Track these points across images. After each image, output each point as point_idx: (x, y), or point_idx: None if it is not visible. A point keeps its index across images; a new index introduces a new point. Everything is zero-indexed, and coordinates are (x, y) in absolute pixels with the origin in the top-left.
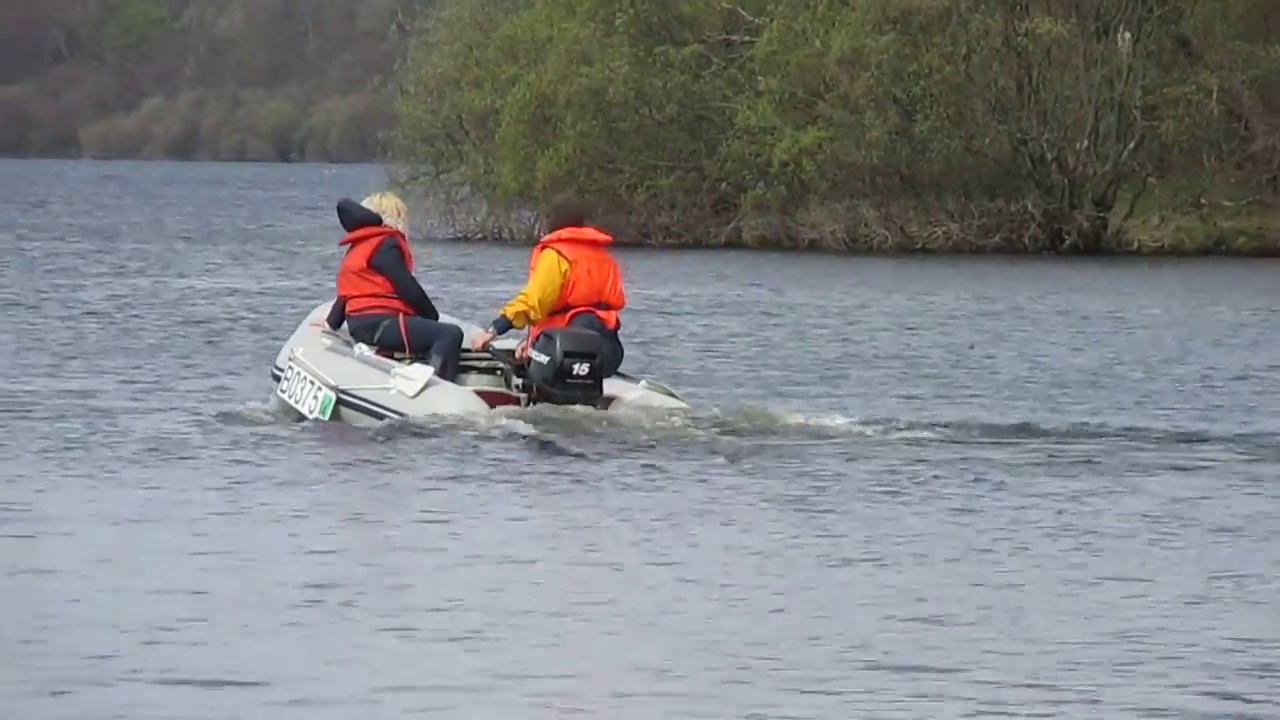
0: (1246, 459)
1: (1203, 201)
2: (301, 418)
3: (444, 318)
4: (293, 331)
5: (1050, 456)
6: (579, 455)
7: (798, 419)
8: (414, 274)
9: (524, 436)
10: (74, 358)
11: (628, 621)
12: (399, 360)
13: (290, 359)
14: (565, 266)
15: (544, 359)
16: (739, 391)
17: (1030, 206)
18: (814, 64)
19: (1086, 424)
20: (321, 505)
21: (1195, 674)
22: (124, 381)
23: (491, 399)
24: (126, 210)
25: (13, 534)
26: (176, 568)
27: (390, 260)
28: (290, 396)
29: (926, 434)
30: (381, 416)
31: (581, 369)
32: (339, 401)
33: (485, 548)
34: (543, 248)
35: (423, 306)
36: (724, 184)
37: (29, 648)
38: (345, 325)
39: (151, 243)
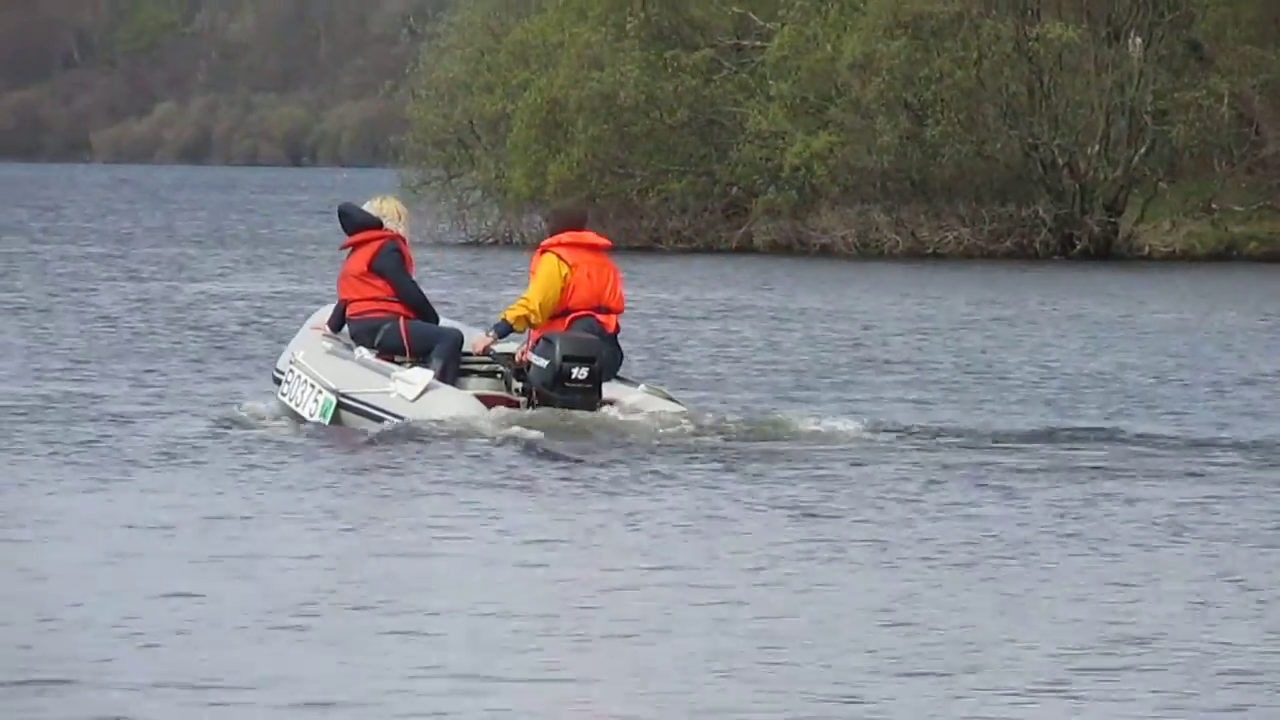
0: (1257, 464)
1: (1214, 206)
2: (302, 421)
3: (444, 322)
4: (294, 335)
5: (1060, 462)
6: (577, 459)
7: (804, 424)
8: (414, 278)
9: (522, 440)
10: (85, 361)
11: (629, 626)
12: (399, 364)
13: (291, 362)
14: (565, 271)
15: (543, 363)
16: (748, 396)
17: (1041, 211)
18: (825, 69)
19: (1097, 429)
20: (322, 510)
21: (1205, 678)
22: (134, 385)
23: (491, 402)
24: (139, 214)
25: (18, 537)
26: (178, 571)
27: (391, 264)
28: (291, 400)
29: (936, 439)
30: (382, 420)
31: (580, 373)
32: (339, 405)
33: (485, 551)
34: (543, 252)
35: (423, 310)
36: (735, 188)
37: (31, 650)
38: (346, 329)
39: (164, 247)
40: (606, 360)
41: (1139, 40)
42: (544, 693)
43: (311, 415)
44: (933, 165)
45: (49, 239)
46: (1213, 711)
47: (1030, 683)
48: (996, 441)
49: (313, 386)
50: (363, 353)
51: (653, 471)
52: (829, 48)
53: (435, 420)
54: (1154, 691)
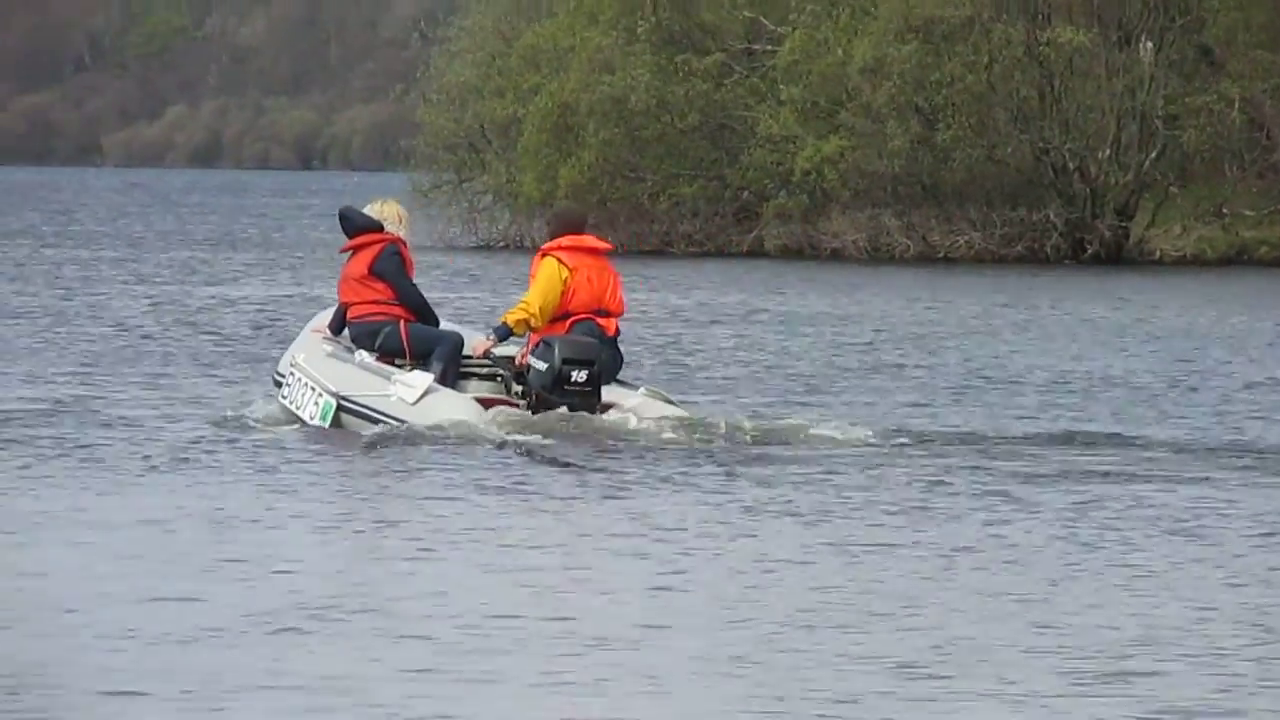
0: (1268, 469)
1: (1224, 211)
2: (302, 424)
3: (445, 325)
4: (294, 338)
5: (1071, 466)
6: (577, 462)
7: (813, 428)
8: (415, 281)
9: (522, 444)
10: (95, 365)
11: (632, 630)
12: (400, 367)
13: (292, 365)
14: (566, 274)
15: (543, 366)
16: (758, 400)
17: (1052, 216)
18: (836, 73)
19: (1107, 434)
20: (322, 514)
21: (1212, 684)
22: (145, 388)
23: (491, 405)
24: (151, 218)
25: (24, 539)
26: (179, 575)
27: (391, 267)
28: (291, 403)
29: (946, 443)
30: (382, 423)
31: (580, 376)
32: (339, 408)
33: (487, 555)
34: (543, 255)
35: (423, 313)
36: (746, 192)
37: (33, 655)
38: (346, 332)
39: (176, 250)
40: (606, 363)
41: (1150, 45)
42: (547, 696)
43: (312, 418)
44: (944, 169)
45: (61, 242)
46: (1220, 716)
47: (1038, 687)
48: (1006, 446)
49: (313, 389)
50: (363, 356)
51: (655, 475)
52: (840, 52)
53: (435, 423)
54: (1162, 697)
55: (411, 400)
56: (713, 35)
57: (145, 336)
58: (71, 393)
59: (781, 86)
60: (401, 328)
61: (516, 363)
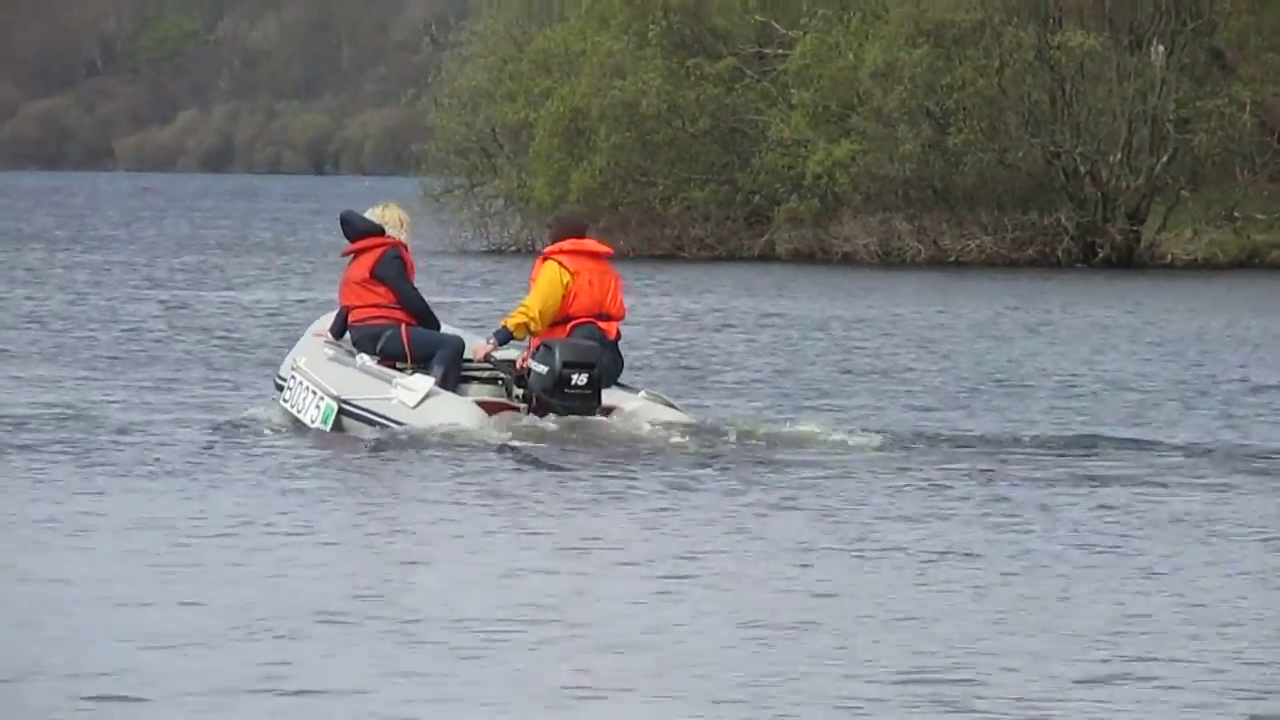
0: (1279, 472)
1: (1236, 214)
2: (304, 427)
3: (446, 328)
4: (296, 341)
5: (1081, 470)
6: (578, 466)
7: (821, 432)
8: (415, 285)
9: (522, 447)
10: (108, 370)
11: (635, 635)
12: (401, 370)
13: (293, 369)
14: (567, 278)
15: (543, 369)
16: (768, 404)
17: (1063, 220)
18: (847, 77)
19: (1118, 438)
20: (324, 517)
21: (1219, 692)
22: (156, 393)
23: (492, 409)
24: (165, 222)
25: (30, 544)
26: (180, 580)
27: (393, 271)
28: (293, 406)
29: (956, 447)
30: (383, 427)
31: (580, 379)
32: (341, 411)
33: (488, 559)
34: (544, 259)
35: (425, 317)
36: (757, 196)
37: (36, 661)
38: (348, 335)
39: (189, 255)
40: (606, 367)
41: (1161, 48)
42: (551, 701)
43: (313, 422)
44: (955, 173)
45: (72, 246)
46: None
47: (1052, 693)
48: (1017, 450)
49: (314, 393)
50: (364, 359)
51: (656, 479)
52: (851, 56)
53: (436, 427)
54: (1174, 702)
55: (412, 403)
56: (724, 39)
57: (158, 341)
58: (83, 397)
59: (793, 90)
60: (403, 331)
61: (518, 366)
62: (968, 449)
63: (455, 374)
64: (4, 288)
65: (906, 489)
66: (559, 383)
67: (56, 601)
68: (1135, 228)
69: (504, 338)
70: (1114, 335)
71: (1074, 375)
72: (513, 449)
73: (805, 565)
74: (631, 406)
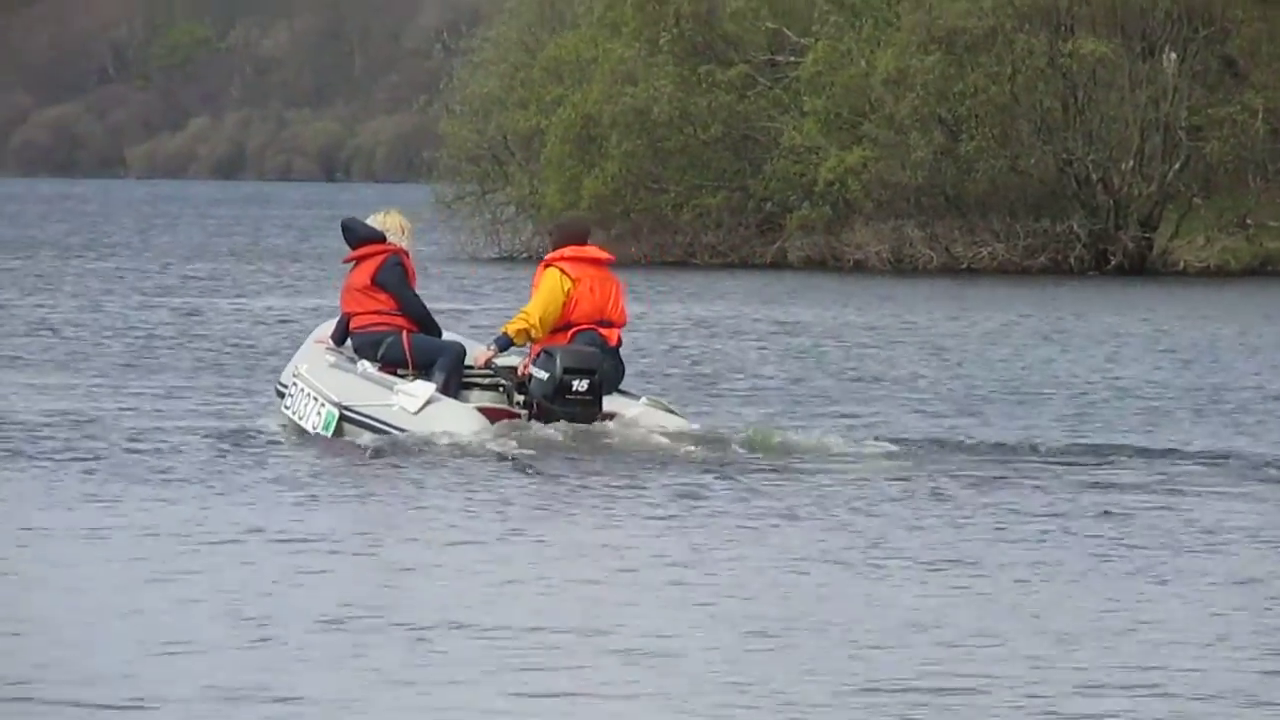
0: None
1: (1248, 222)
2: (305, 434)
3: (447, 335)
4: (298, 348)
5: (1093, 478)
6: (580, 474)
7: (830, 439)
8: (417, 291)
9: (522, 453)
10: (119, 377)
11: (637, 641)
12: (402, 377)
13: (294, 375)
14: (568, 285)
15: (544, 375)
16: (778, 411)
17: (1076, 227)
18: (859, 84)
19: (1131, 446)
20: (325, 524)
21: (1221, 699)
22: (168, 400)
23: (493, 415)
24: (178, 229)
25: (34, 552)
26: (188, 588)
27: (394, 278)
28: (294, 413)
29: (967, 454)
30: (384, 433)
31: (581, 385)
32: (342, 418)
33: (489, 565)
34: (546, 266)
35: (426, 324)
36: (769, 204)
37: (44, 667)
38: (349, 342)
39: (203, 261)
40: (607, 373)
41: (1174, 55)
42: (557, 708)
43: (314, 428)
44: (967, 180)
45: (87, 253)
46: None
47: (1053, 696)
48: (1029, 458)
49: (315, 399)
50: (365, 366)
51: (657, 484)
52: (863, 63)
53: (437, 433)
54: (1185, 712)
55: (414, 410)
56: (735, 46)
57: (170, 348)
58: (95, 404)
59: (804, 98)
60: (404, 338)
61: (519, 373)
62: (979, 457)
63: (456, 380)
64: (17, 295)
65: (918, 497)
66: (560, 389)
67: (65, 607)
68: (1147, 235)
69: (504, 344)
70: (1126, 343)
71: (1086, 383)
72: (513, 459)
73: (815, 574)
74: (632, 413)
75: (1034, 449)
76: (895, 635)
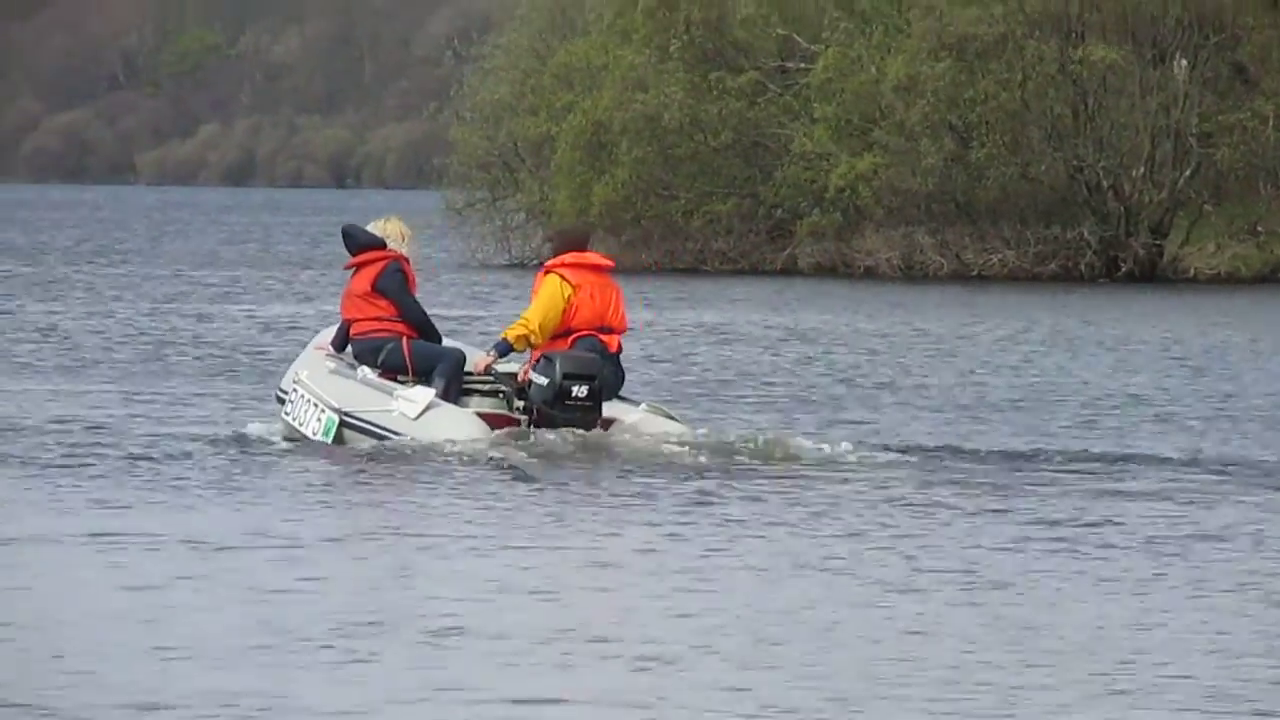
0: None
1: (1259, 228)
2: (305, 440)
3: (447, 341)
4: (298, 355)
5: (1101, 486)
6: (574, 478)
7: (835, 448)
8: (417, 298)
9: (523, 459)
10: (129, 384)
11: (639, 648)
12: (402, 383)
13: (295, 381)
14: (569, 291)
15: (543, 381)
16: (786, 418)
17: (1086, 234)
18: (870, 91)
19: (1140, 454)
20: (327, 530)
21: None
22: (178, 407)
23: (493, 421)
24: (190, 236)
25: (46, 559)
26: (196, 594)
27: (394, 284)
28: (294, 419)
29: (975, 463)
30: (384, 439)
31: (580, 391)
32: (342, 424)
33: (491, 570)
34: (546, 272)
35: (426, 330)
36: (779, 210)
37: (52, 674)
38: (349, 348)
39: (213, 268)
40: (607, 379)
41: (1184, 62)
42: (559, 715)
43: (314, 434)
44: (977, 187)
45: (98, 260)
46: None
47: (1061, 703)
48: (1039, 465)
49: (316, 406)
50: (365, 372)
51: (658, 490)
52: (873, 70)
53: (437, 438)
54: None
55: (413, 415)
56: (746, 53)
57: (180, 355)
58: (106, 411)
59: (815, 104)
60: (404, 344)
61: (519, 379)
62: (990, 464)
63: (456, 386)
64: (28, 301)
65: (927, 505)
66: (559, 395)
67: (73, 612)
68: (1158, 242)
69: (504, 350)
70: (1137, 350)
71: (1097, 390)
72: (513, 465)
73: (819, 581)
74: (632, 419)
75: (1044, 456)
76: (902, 643)
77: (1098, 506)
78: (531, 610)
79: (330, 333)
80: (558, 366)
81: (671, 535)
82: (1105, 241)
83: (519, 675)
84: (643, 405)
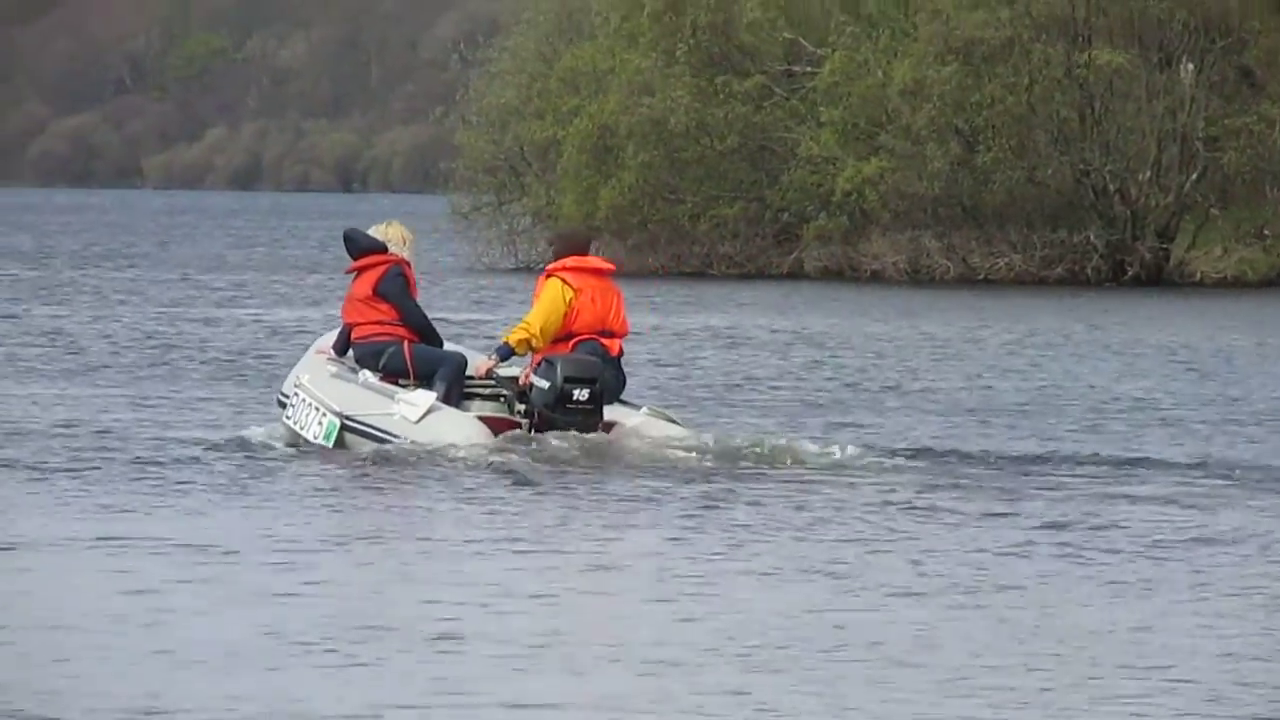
0: None
1: (1266, 232)
2: (306, 444)
3: (448, 345)
4: (299, 359)
5: (1111, 490)
6: (575, 482)
7: (840, 451)
8: (418, 302)
9: (523, 463)
10: (134, 388)
11: (639, 651)
12: (404, 387)
13: (296, 385)
14: (570, 295)
15: (545, 384)
16: (790, 422)
17: (1093, 238)
18: (876, 94)
19: (1148, 459)
20: (328, 534)
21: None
22: (184, 411)
23: (495, 425)
24: (198, 240)
25: (51, 564)
26: (199, 599)
27: (395, 288)
28: (295, 423)
29: (981, 467)
30: (386, 442)
31: (581, 394)
32: (343, 427)
33: (492, 574)
34: (547, 276)
35: (427, 334)
36: (786, 214)
37: (58, 680)
38: (351, 352)
39: (220, 272)
40: (608, 382)
41: (1191, 66)
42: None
43: (315, 438)
44: (984, 191)
45: (105, 264)
46: None
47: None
48: (1046, 469)
49: (317, 409)
50: (367, 376)
51: (658, 494)
52: (880, 74)
53: (438, 442)
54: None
55: (415, 419)
56: (752, 57)
57: (186, 358)
58: (112, 415)
59: (821, 108)
60: (405, 348)
61: (520, 383)
62: (997, 468)
63: (458, 390)
64: (35, 305)
65: (933, 509)
66: (560, 398)
67: (78, 616)
68: (1164, 246)
69: (505, 354)
70: (1143, 354)
71: (1103, 394)
72: (514, 469)
73: (821, 585)
74: (633, 422)
75: (1050, 460)
76: (908, 647)
77: (1104, 510)
78: (534, 614)
79: (331, 336)
80: (559, 370)
81: (675, 539)
82: (1112, 245)
83: (522, 679)
84: (644, 409)
